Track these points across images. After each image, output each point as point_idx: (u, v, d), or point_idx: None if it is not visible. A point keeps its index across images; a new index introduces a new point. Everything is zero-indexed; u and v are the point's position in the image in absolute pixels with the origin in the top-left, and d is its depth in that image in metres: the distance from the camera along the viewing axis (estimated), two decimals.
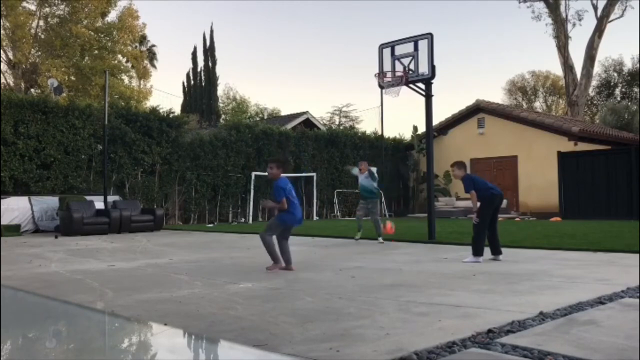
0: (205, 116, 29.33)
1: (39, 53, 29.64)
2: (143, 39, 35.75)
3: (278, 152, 20.12)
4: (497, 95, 61.48)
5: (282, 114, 33.34)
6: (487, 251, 7.14)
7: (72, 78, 28.60)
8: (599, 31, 31.10)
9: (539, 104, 45.94)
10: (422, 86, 10.20)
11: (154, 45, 38.63)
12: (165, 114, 17.55)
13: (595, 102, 39.51)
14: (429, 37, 10.01)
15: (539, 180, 20.19)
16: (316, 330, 3.47)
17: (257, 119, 32.72)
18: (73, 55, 27.70)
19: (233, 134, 19.03)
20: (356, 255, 8.17)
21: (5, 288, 1.82)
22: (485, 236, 7.13)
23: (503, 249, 7.25)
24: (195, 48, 32.72)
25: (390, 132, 38.60)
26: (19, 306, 1.65)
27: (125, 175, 16.27)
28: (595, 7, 31.62)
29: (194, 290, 5.10)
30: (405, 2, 64.88)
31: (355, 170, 11.12)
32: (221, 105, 36.34)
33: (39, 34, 29.53)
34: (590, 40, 31.25)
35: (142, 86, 34.67)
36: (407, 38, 10.34)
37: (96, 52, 29.05)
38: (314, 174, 20.61)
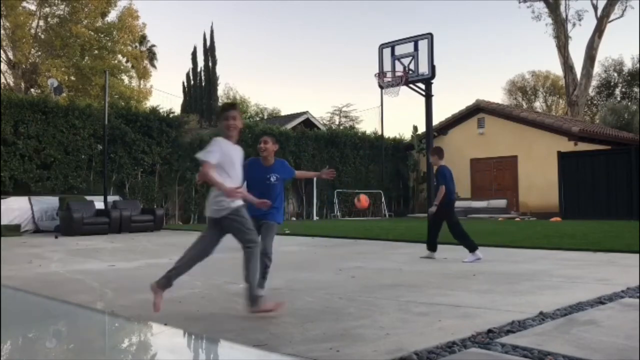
0: (205, 116, 29.32)
1: (39, 53, 29.62)
2: (143, 39, 35.73)
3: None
4: (497, 95, 61.54)
5: (282, 114, 33.35)
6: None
7: (72, 78, 28.58)
8: (599, 31, 31.10)
9: (539, 104, 45.94)
10: (422, 86, 10.20)
11: (154, 45, 38.63)
12: (165, 114, 17.54)
13: (595, 102, 39.50)
14: (429, 37, 10.02)
15: (539, 180, 20.19)
16: (316, 330, 3.47)
17: (257, 119, 32.71)
18: (73, 55, 27.68)
19: None
20: (356, 255, 8.17)
21: (5, 288, 1.82)
22: (464, 230, 7.31)
23: (503, 249, 7.26)
24: (195, 48, 32.70)
25: (390, 132, 38.57)
26: (19, 306, 1.65)
27: (125, 175, 16.27)
28: (595, 7, 31.64)
29: (194, 290, 5.11)
30: (405, 2, 64.91)
31: None
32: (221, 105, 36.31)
33: (39, 34, 29.51)
34: (590, 40, 31.25)
35: (142, 86, 34.67)
36: (407, 38, 10.35)
37: (96, 52, 29.03)
38: None
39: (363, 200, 7.49)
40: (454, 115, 23.08)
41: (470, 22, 65.79)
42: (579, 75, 31.88)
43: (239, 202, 4.13)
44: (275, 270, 6.47)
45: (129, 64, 32.64)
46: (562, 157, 18.72)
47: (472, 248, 7.11)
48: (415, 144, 23.45)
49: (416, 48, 10.15)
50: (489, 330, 3.32)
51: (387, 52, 10.49)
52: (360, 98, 58.89)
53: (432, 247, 7.47)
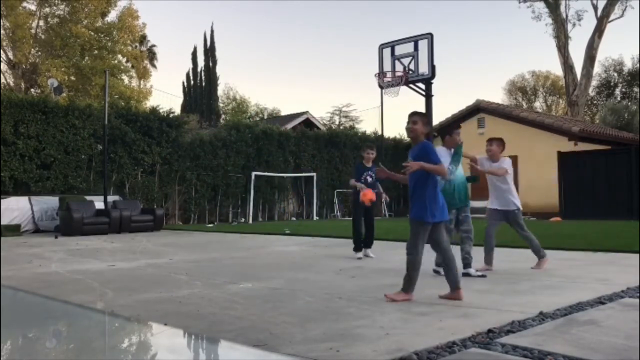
0: (205, 116, 29.32)
1: (39, 53, 29.62)
2: (143, 39, 35.74)
3: (278, 152, 20.12)
4: (497, 95, 61.55)
5: (282, 114, 33.34)
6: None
7: (72, 78, 28.57)
8: (599, 31, 31.09)
9: (539, 104, 45.93)
10: (422, 86, 10.21)
11: (154, 45, 38.65)
12: (165, 114, 17.55)
13: (595, 102, 39.49)
14: (429, 37, 10.02)
15: (539, 180, 20.18)
16: (316, 330, 3.47)
17: (257, 119, 32.71)
18: (73, 55, 27.68)
19: (233, 134, 19.03)
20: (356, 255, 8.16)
21: (5, 288, 1.82)
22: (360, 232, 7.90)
23: (503, 249, 7.25)
24: (195, 48, 32.77)
25: (390, 132, 38.60)
26: (19, 306, 1.65)
27: (125, 175, 16.27)
28: (595, 7, 31.63)
29: (194, 290, 5.10)
30: (405, 2, 64.91)
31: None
32: (221, 105, 36.33)
33: (39, 34, 29.51)
34: (590, 40, 31.24)
35: (142, 86, 34.66)
36: (407, 38, 10.36)
37: (96, 52, 29.02)
38: (314, 174, 20.60)
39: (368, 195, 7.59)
40: (454, 115, 23.07)
41: (471, 22, 65.84)
42: (579, 75, 31.87)
43: None
44: (275, 270, 6.48)
45: (129, 64, 32.63)
46: (562, 157, 18.71)
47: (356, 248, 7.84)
48: None
49: (416, 48, 10.16)
50: (489, 330, 3.32)
51: (387, 52, 10.50)
52: (360, 98, 58.85)
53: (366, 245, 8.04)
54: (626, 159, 17.31)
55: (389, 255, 8.07)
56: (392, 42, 10.55)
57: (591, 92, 36.95)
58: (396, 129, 74.99)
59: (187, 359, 1.24)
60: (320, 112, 62.30)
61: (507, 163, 6.55)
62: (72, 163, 15.15)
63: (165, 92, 62.47)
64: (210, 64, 32.12)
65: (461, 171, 6.22)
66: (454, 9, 65.04)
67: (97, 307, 4.26)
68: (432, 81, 10.14)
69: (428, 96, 10.20)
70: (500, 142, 6.77)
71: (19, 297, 1.87)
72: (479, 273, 5.76)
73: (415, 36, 10.23)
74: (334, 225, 15.51)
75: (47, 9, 29.28)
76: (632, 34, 54.12)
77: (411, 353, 2.90)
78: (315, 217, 20.65)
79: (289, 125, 23.37)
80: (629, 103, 34.77)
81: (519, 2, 33.71)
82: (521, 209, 6.58)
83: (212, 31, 32.46)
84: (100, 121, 15.22)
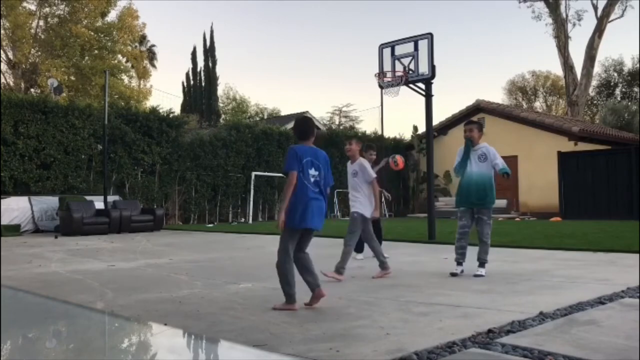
0: (205, 116, 29.33)
1: (39, 53, 29.61)
2: (143, 39, 35.75)
3: (278, 152, 20.12)
4: (497, 95, 61.52)
5: (282, 114, 33.37)
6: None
7: (72, 78, 28.56)
8: (599, 31, 31.09)
9: (539, 104, 45.93)
10: (422, 86, 10.20)
11: (154, 45, 38.67)
12: (165, 114, 17.55)
13: (595, 102, 39.49)
14: (429, 37, 10.01)
15: (539, 180, 20.18)
16: (316, 330, 3.47)
17: (257, 119, 32.72)
18: (73, 55, 27.67)
19: (233, 134, 19.03)
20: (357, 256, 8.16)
21: (5, 288, 1.82)
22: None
23: (503, 249, 7.26)
24: (195, 48, 32.77)
25: (390, 132, 38.49)
26: (19, 306, 1.65)
27: (125, 175, 16.26)
28: (595, 7, 31.63)
29: (194, 290, 5.10)
30: (405, 2, 64.92)
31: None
32: (221, 105, 36.34)
33: (39, 34, 29.50)
34: (590, 40, 31.24)
35: (142, 86, 34.67)
36: (407, 38, 10.34)
37: (96, 52, 29.01)
38: None
39: (400, 160, 7.82)
40: (454, 115, 23.07)
41: (471, 22, 65.82)
42: (579, 75, 31.88)
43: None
44: (275, 270, 6.46)
45: (129, 64, 32.63)
46: (562, 157, 18.71)
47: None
48: (415, 144, 23.45)
49: (416, 48, 10.14)
50: (489, 330, 3.32)
51: (387, 52, 10.48)
52: (360, 98, 58.83)
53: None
54: (626, 159, 17.31)
55: (389, 254, 8.05)
56: (392, 42, 10.53)
57: (591, 92, 36.95)
58: (396, 128, 75.04)
59: (187, 359, 1.24)
60: (320, 112, 62.35)
61: (364, 164, 5.98)
62: (72, 163, 15.14)
63: (165, 92, 62.37)
64: (210, 64, 32.12)
65: (478, 168, 5.90)
66: (454, 9, 65.09)
67: (97, 307, 4.26)
68: (432, 81, 10.12)
69: (428, 96, 10.19)
70: (360, 141, 6.45)
71: (19, 297, 1.87)
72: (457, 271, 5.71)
73: (415, 36, 10.21)
74: (334, 225, 15.51)
75: (47, 9, 29.26)
76: (632, 34, 54.14)
77: (411, 353, 2.90)
78: None
79: (289, 125, 23.39)
80: (629, 103, 34.76)
81: (519, 2, 33.74)
82: (368, 217, 6.00)
83: (211, 31, 32.49)
84: (100, 121, 15.21)
